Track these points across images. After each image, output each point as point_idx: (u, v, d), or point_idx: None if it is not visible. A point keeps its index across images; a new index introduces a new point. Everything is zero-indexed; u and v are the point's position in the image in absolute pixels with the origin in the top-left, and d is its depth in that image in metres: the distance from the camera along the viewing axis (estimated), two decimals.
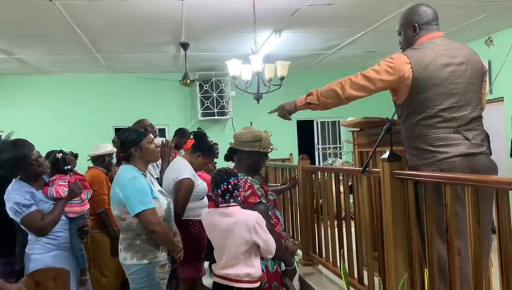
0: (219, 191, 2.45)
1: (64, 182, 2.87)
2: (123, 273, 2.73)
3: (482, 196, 1.90)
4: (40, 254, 2.72)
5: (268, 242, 2.42)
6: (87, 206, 3.08)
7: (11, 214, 2.66)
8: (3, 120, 7.54)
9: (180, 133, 5.43)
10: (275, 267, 2.64)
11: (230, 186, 2.43)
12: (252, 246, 2.41)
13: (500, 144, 5.52)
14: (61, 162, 3.00)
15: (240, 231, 2.38)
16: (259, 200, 2.62)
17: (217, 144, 3.58)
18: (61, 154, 3.04)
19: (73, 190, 2.87)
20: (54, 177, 2.92)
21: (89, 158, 4.13)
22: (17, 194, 2.66)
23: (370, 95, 2.40)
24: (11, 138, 2.85)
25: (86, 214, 3.09)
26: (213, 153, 3.45)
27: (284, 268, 2.78)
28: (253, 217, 2.40)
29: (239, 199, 2.50)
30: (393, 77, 2.28)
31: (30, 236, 2.75)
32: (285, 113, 2.69)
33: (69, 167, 3.03)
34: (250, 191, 2.63)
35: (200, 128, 3.43)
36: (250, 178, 2.69)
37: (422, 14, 2.40)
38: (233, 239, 2.41)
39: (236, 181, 2.46)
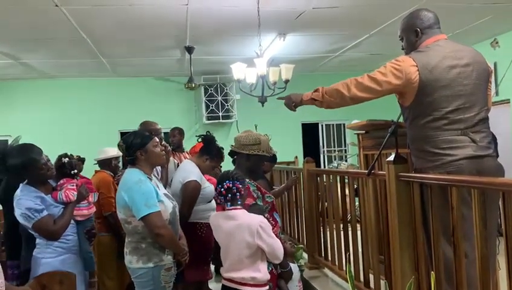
0: (222, 190, 2.46)
1: (73, 186, 2.86)
2: (129, 276, 2.73)
3: (488, 198, 1.89)
4: (51, 257, 2.67)
5: (274, 247, 2.40)
6: (94, 209, 3.08)
7: (21, 220, 2.61)
8: (9, 125, 7.60)
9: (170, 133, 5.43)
10: (270, 269, 2.64)
11: (234, 188, 2.44)
12: (257, 250, 2.39)
13: (506, 146, 5.49)
14: (67, 167, 3.00)
15: (242, 234, 2.38)
16: (254, 202, 2.63)
17: (222, 148, 3.56)
18: (67, 158, 3.05)
19: (81, 192, 2.87)
20: (62, 182, 2.90)
21: (96, 162, 4.14)
22: (28, 199, 2.60)
23: (375, 98, 2.38)
24: (19, 142, 2.84)
25: (92, 217, 3.09)
26: (221, 157, 3.45)
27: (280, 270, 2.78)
28: (257, 220, 2.39)
29: (239, 202, 2.50)
30: (400, 80, 2.26)
31: (39, 240, 2.70)
32: (290, 103, 2.70)
33: (75, 171, 3.03)
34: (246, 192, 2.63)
35: (208, 131, 3.42)
36: (247, 180, 2.70)
37: (424, 19, 2.39)
38: (236, 242, 2.40)
39: (239, 185, 2.46)
